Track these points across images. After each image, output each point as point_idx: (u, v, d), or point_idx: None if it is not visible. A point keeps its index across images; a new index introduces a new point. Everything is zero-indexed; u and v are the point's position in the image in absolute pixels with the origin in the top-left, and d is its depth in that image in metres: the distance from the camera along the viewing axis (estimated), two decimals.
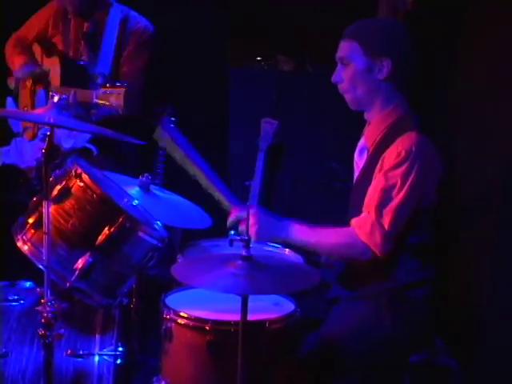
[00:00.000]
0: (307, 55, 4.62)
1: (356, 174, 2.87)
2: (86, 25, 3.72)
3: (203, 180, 2.90)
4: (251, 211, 2.61)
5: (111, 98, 3.13)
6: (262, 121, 4.33)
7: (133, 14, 3.77)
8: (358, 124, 2.90)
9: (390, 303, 2.67)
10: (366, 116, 2.80)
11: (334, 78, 2.76)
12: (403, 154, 2.59)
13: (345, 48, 2.72)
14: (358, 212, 2.72)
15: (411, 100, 2.76)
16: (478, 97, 3.36)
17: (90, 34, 3.73)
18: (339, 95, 2.80)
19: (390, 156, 2.61)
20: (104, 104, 3.13)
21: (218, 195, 2.89)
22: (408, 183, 2.58)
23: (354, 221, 2.64)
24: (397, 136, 2.64)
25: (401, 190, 2.58)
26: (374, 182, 2.64)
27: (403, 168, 2.58)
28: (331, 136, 4.38)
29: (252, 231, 2.62)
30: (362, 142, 2.85)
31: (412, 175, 2.58)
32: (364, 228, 2.60)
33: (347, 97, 2.76)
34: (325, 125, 4.48)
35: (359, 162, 2.85)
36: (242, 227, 2.68)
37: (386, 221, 2.58)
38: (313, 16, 4.49)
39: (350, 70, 2.71)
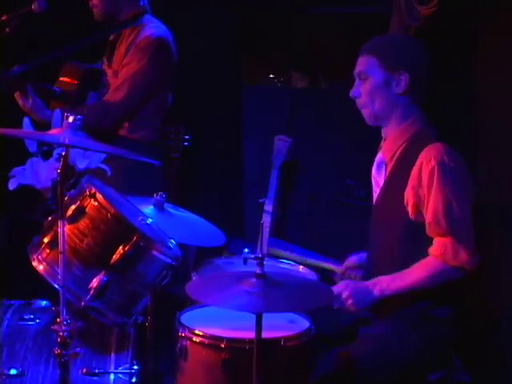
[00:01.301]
0: (321, 72, 4.64)
1: (375, 189, 2.87)
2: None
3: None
4: (344, 285, 2.65)
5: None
6: (275, 138, 4.35)
7: (151, 25, 3.69)
8: (372, 140, 2.91)
9: (415, 323, 2.65)
10: (383, 132, 2.81)
11: (352, 93, 2.78)
12: (437, 166, 2.58)
13: (363, 63, 2.75)
14: (383, 228, 2.73)
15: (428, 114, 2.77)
16: (489, 108, 3.36)
17: (110, 42, 3.77)
18: (353, 112, 2.81)
19: (425, 173, 2.60)
20: None
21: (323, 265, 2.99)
22: (457, 191, 2.59)
23: (433, 250, 2.62)
24: (418, 150, 2.64)
25: (457, 200, 2.58)
26: (430, 204, 2.61)
27: (444, 180, 2.58)
28: (346, 153, 4.37)
29: (349, 304, 2.62)
30: (379, 157, 2.85)
31: (455, 182, 2.59)
32: (448, 253, 2.58)
33: (365, 111, 2.77)
34: (339, 142, 4.48)
35: (378, 177, 2.85)
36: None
37: (464, 236, 2.58)
38: (326, 34, 4.51)
39: (368, 85, 2.73)
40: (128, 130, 3.65)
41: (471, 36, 3.56)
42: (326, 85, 4.65)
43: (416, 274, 2.62)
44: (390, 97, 2.72)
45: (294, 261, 3.14)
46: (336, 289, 2.62)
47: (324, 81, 4.67)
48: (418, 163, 2.63)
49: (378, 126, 2.81)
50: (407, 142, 2.72)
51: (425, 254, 2.63)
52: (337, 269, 3.08)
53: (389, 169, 2.78)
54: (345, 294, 2.62)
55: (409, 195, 2.65)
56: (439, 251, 2.60)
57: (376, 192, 2.86)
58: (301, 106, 4.58)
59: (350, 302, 2.62)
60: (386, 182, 2.78)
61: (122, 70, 3.64)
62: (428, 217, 2.61)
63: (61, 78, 3.76)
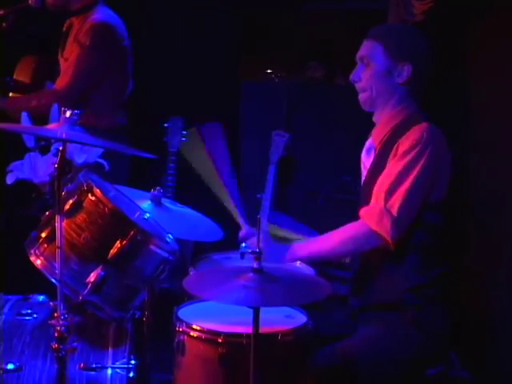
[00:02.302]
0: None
1: (363, 172, 2.88)
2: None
3: (221, 190, 2.91)
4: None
5: None
6: (272, 133, 4.35)
7: (97, 12, 3.72)
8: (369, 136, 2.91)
9: (412, 320, 2.65)
10: (374, 117, 2.81)
11: (352, 77, 2.78)
12: (414, 141, 2.59)
13: (368, 47, 2.74)
14: None
15: (424, 108, 2.77)
16: (488, 104, 3.37)
17: (64, 33, 3.82)
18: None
19: (402, 145, 2.62)
20: None
21: (232, 207, 2.90)
22: (418, 167, 2.58)
23: (362, 211, 2.64)
24: (406, 130, 2.65)
25: (410, 173, 2.58)
26: (384, 171, 2.64)
27: (413, 153, 2.59)
28: (343, 149, 4.38)
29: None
30: (369, 142, 2.86)
31: (422, 160, 2.58)
32: (372, 216, 2.60)
33: (362, 96, 2.77)
34: (336, 137, 4.49)
35: (366, 161, 2.86)
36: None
37: (395, 206, 2.58)
38: (323, 30, 4.52)
39: (369, 70, 2.73)
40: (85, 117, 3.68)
41: (468, 32, 3.56)
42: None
43: (334, 237, 2.66)
44: (390, 85, 2.72)
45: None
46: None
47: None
48: (401, 140, 2.64)
49: (370, 112, 2.81)
50: (396, 126, 2.72)
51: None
52: None
53: (376, 153, 2.79)
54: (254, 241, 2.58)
55: None
56: (366, 212, 2.63)
57: (364, 175, 2.87)
58: (298, 102, 4.59)
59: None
60: (372, 165, 2.78)
61: (69, 58, 3.70)
62: (379, 178, 2.63)
63: (17, 71, 3.84)
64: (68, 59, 3.72)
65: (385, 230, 2.57)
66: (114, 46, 3.73)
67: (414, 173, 2.58)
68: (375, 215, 2.60)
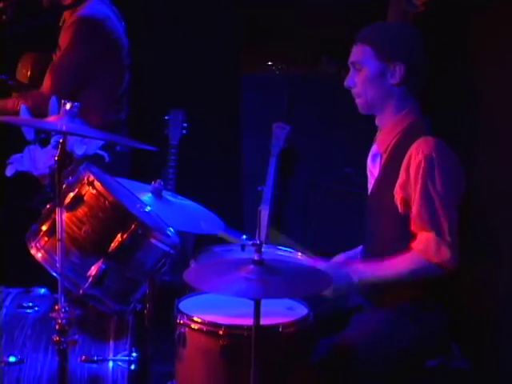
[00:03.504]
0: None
1: (370, 180, 2.87)
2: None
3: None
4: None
5: None
6: (273, 126, 4.34)
7: (84, 7, 3.65)
8: (371, 129, 2.90)
9: (411, 312, 2.65)
10: (377, 121, 2.79)
11: (346, 83, 2.75)
12: (423, 161, 2.57)
13: (357, 52, 2.71)
14: (377, 219, 2.72)
15: (425, 104, 2.76)
16: (490, 98, 3.35)
17: (59, 28, 3.78)
18: (352, 100, 2.80)
19: (412, 168, 2.59)
20: None
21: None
22: (441, 188, 2.56)
23: (415, 245, 2.60)
24: (410, 142, 2.63)
25: (439, 197, 2.56)
26: (414, 202, 2.59)
27: (429, 176, 2.56)
28: (344, 141, 4.38)
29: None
30: (374, 149, 2.84)
31: (440, 178, 2.57)
32: (429, 249, 2.57)
33: (359, 101, 2.75)
34: (338, 129, 4.48)
35: (373, 169, 2.84)
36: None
37: (446, 234, 2.56)
38: (323, 22, 4.51)
39: (362, 75, 2.70)
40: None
41: (470, 23, 3.54)
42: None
43: (397, 266, 2.61)
44: (385, 87, 2.69)
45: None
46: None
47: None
48: (407, 157, 2.62)
49: (371, 115, 2.79)
50: (400, 133, 2.70)
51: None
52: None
53: (383, 161, 2.77)
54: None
55: (397, 189, 2.64)
56: (421, 246, 2.59)
57: (371, 183, 2.86)
58: (299, 94, 4.58)
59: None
60: (380, 175, 2.77)
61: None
62: (413, 211, 2.60)
63: (18, 70, 3.82)
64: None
65: (446, 259, 2.56)
66: (100, 41, 3.66)
67: (442, 193, 2.57)
68: (431, 248, 2.57)
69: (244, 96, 4.72)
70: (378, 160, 2.80)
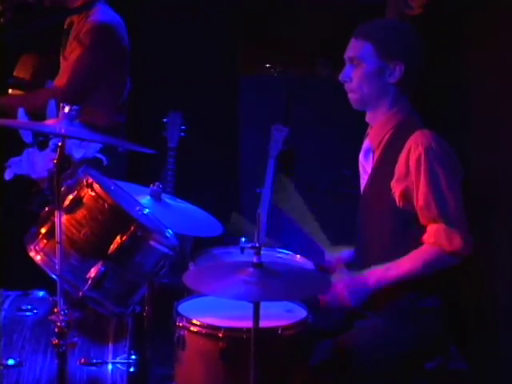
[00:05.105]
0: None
1: (363, 176, 2.86)
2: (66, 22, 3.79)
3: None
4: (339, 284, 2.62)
5: None
6: (272, 127, 4.35)
7: (98, 12, 3.67)
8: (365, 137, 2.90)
9: (408, 314, 2.65)
10: (368, 117, 2.77)
11: (342, 77, 2.72)
12: (424, 153, 2.56)
13: (357, 47, 2.68)
14: (373, 217, 2.71)
15: (421, 102, 2.75)
16: (487, 98, 3.36)
17: (64, 31, 3.79)
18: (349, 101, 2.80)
19: (412, 160, 2.59)
20: None
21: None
22: (445, 177, 2.57)
23: (426, 238, 2.60)
24: (405, 137, 2.62)
25: (445, 185, 2.57)
26: (419, 194, 2.59)
27: (431, 166, 2.56)
28: (342, 142, 4.37)
29: (347, 301, 2.61)
30: (366, 144, 2.83)
31: (443, 168, 2.57)
32: (441, 239, 2.56)
33: (353, 96, 2.73)
34: (336, 131, 4.49)
35: (365, 164, 2.83)
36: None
37: (456, 222, 2.56)
38: (321, 21, 4.51)
39: (360, 70, 2.68)
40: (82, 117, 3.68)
41: (467, 24, 3.55)
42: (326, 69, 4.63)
43: (411, 262, 2.60)
44: (382, 85, 2.68)
45: None
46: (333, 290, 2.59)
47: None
48: (404, 150, 2.61)
49: (363, 111, 2.78)
50: (393, 128, 2.70)
51: (414, 242, 2.61)
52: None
53: (376, 156, 2.76)
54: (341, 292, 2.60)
55: (395, 183, 2.63)
56: (433, 238, 2.58)
57: (364, 179, 2.84)
58: (297, 96, 4.59)
59: (347, 298, 2.61)
60: (374, 170, 2.76)
61: (69, 57, 3.68)
62: (419, 204, 2.59)
63: (17, 68, 3.82)
64: (68, 58, 3.69)
65: (459, 246, 2.56)
66: (114, 47, 3.70)
67: (448, 179, 2.58)
68: (443, 239, 2.56)
69: (242, 98, 4.73)
70: (371, 155, 2.79)
